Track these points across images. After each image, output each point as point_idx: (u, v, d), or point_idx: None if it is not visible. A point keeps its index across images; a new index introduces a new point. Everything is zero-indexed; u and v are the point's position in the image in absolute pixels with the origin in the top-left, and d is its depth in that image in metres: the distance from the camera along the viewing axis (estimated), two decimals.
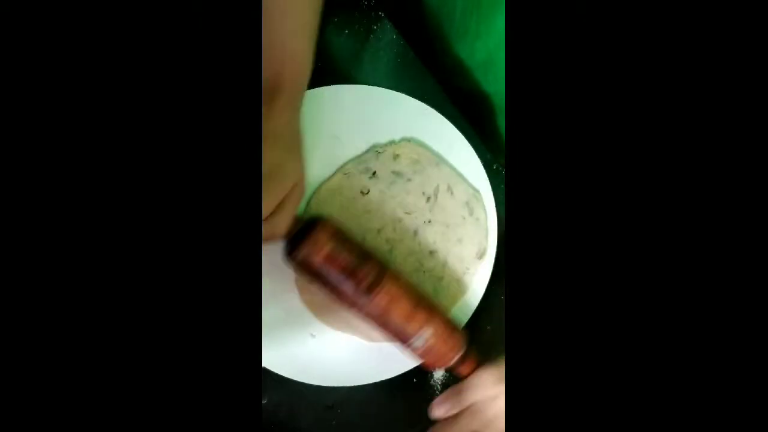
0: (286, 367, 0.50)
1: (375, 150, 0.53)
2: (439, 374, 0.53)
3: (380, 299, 0.46)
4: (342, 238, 0.47)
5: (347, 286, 0.46)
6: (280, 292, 0.50)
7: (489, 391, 0.48)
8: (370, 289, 0.46)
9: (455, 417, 0.49)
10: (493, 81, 0.61)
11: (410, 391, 0.51)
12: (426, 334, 0.47)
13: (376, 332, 0.49)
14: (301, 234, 0.47)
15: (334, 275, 0.46)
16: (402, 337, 0.48)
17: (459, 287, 0.54)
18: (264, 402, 0.50)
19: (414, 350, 0.48)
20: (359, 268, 0.46)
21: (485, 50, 0.58)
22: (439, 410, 0.49)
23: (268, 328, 0.49)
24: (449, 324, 0.49)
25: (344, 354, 0.51)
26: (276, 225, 0.46)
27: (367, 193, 0.52)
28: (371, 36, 0.57)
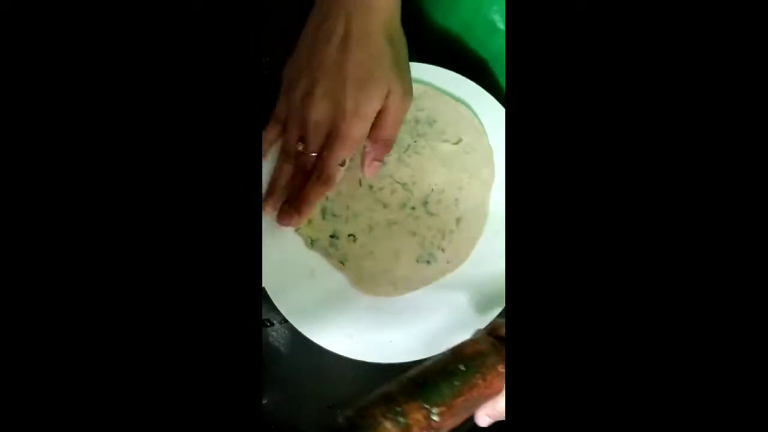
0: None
1: None
2: None
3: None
4: None
5: None
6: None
7: None
8: None
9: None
10: (478, 47, 0.59)
11: None
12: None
13: None
14: None
15: None
16: None
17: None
18: (264, 402, 0.50)
19: None
20: None
21: (459, 21, 0.57)
22: (482, 420, 0.42)
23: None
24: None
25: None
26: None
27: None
28: None
